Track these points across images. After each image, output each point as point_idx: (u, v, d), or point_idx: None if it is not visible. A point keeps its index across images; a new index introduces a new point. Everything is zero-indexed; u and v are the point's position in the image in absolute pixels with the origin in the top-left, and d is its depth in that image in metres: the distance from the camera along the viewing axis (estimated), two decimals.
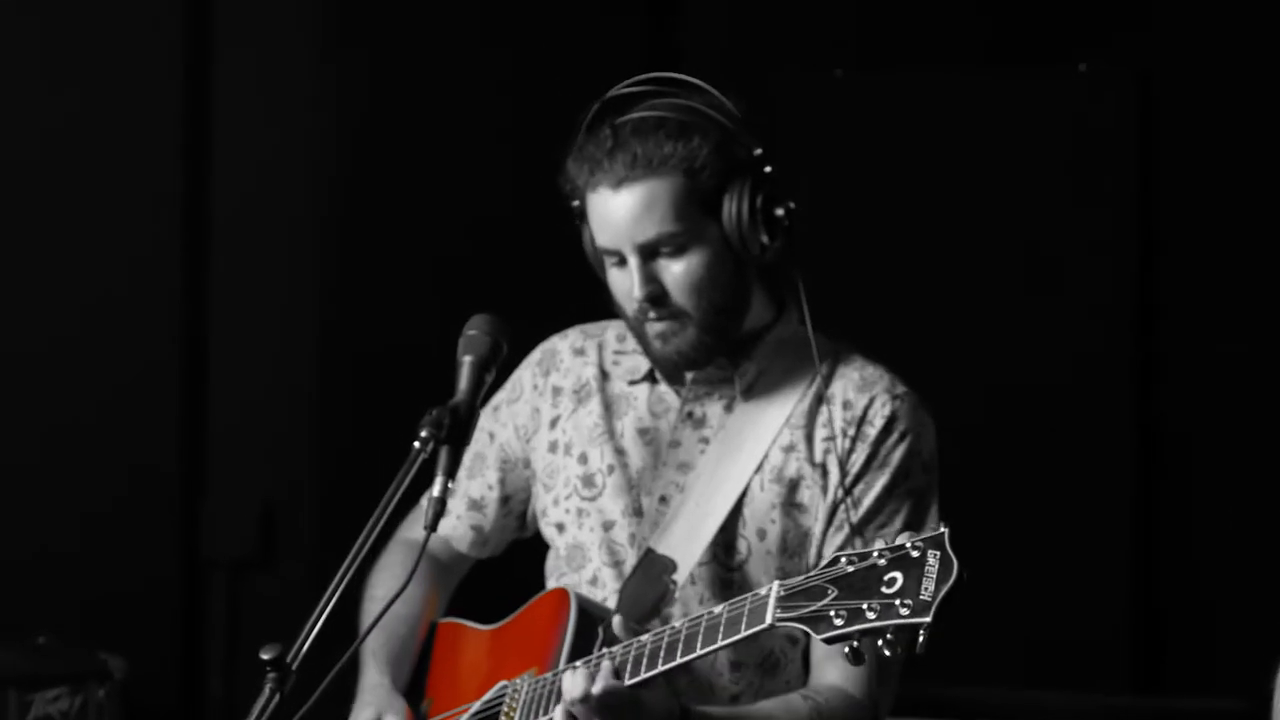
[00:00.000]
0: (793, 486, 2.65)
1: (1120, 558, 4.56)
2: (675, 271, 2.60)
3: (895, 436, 2.64)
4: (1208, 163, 4.57)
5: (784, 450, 2.66)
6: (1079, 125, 4.59)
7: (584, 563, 2.73)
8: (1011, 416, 4.55)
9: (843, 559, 2.27)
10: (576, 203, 2.66)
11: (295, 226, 4.59)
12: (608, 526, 2.71)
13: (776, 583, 2.33)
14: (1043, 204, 4.60)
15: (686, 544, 2.63)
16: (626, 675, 2.44)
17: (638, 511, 2.70)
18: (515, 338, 2.61)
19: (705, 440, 2.70)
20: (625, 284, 2.63)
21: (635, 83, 2.66)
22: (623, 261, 2.62)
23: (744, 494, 2.64)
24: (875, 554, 2.25)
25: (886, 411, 2.65)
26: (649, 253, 2.60)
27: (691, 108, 2.61)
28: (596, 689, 2.41)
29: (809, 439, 2.66)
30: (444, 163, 4.64)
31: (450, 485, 2.44)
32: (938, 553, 2.21)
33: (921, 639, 2.18)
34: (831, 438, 2.64)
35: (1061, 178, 4.60)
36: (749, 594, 2.37)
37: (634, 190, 2.58)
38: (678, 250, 2.60)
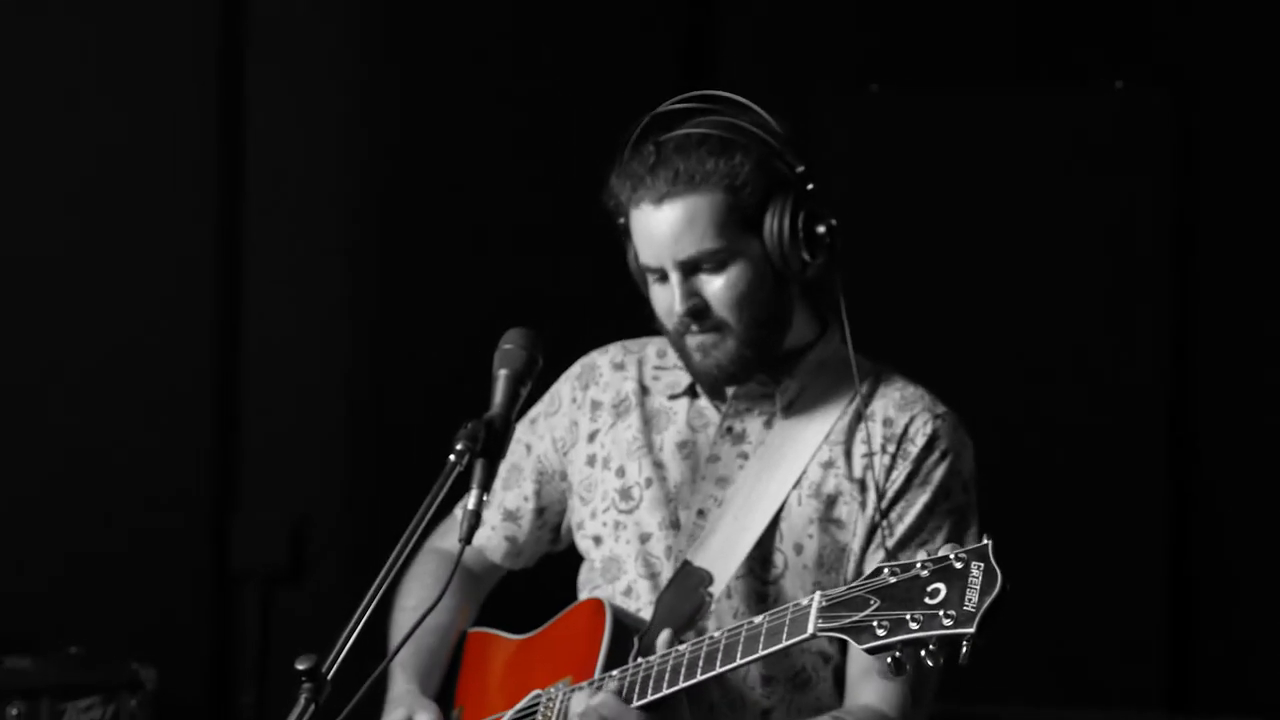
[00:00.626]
0: (830, 502, 2.64)
1: (1153, 576, 4.55)
2: (716, 286, 2.60)
3: (937, 455, 2.63)
4: (1245, 181, 4.56)
5: (823, 466, 2.65)
6: (1115, 143, 4.59)
7: (619, 574, 2.72)
8: (1044, 437, 4.53)
9: (885, 570, 2.27)
10: (622, 220, 2.67)
11: (328, 241, 4.61)
12: (644, 539, 2.71)
13: (819, 593, 2.33)
14: (1079, 222, 4.59)
15: (723, 557, 2.62)
16: (665, 684, 2.44)
17: (675, 525, 2.69)
18: (551, 350, 2.59)
19: (744, 456, 2.70)
20: (667, 300, 2.63)
21: (680, 100, 2.66)
22: (664, 278, 2.63)
23: (781, 508, 2.64)
24: (918, 565, 2.25)
25: (928, 430, 2.64)
26: (690, 269, 2.61)
27: (735, 125, 2.61)
28: (595, 701, 2.42)
29: (848, 455, 2.65)
30: (479, 175, 4.64)
31: (485, 498, 2.43)
32: (981, 564, 2.21)
33: (965, 650, 2.18)
34: (871, 454, 2.63)
35: (1097, 195, 4.59)
36: (790, 604, 2.37)
37: (675, 206, 2.58)
38: (719, 266, 2.60)
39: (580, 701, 2.47)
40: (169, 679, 4.05)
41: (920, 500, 2.62)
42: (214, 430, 4.54)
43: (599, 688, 2.50)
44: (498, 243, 4.61)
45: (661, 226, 2.59)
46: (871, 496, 2.62)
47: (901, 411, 2.65)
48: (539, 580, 2.89)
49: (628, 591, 2.71)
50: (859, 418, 2.65)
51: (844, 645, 2.62)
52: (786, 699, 2.65)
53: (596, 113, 4.54)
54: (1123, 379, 4.56)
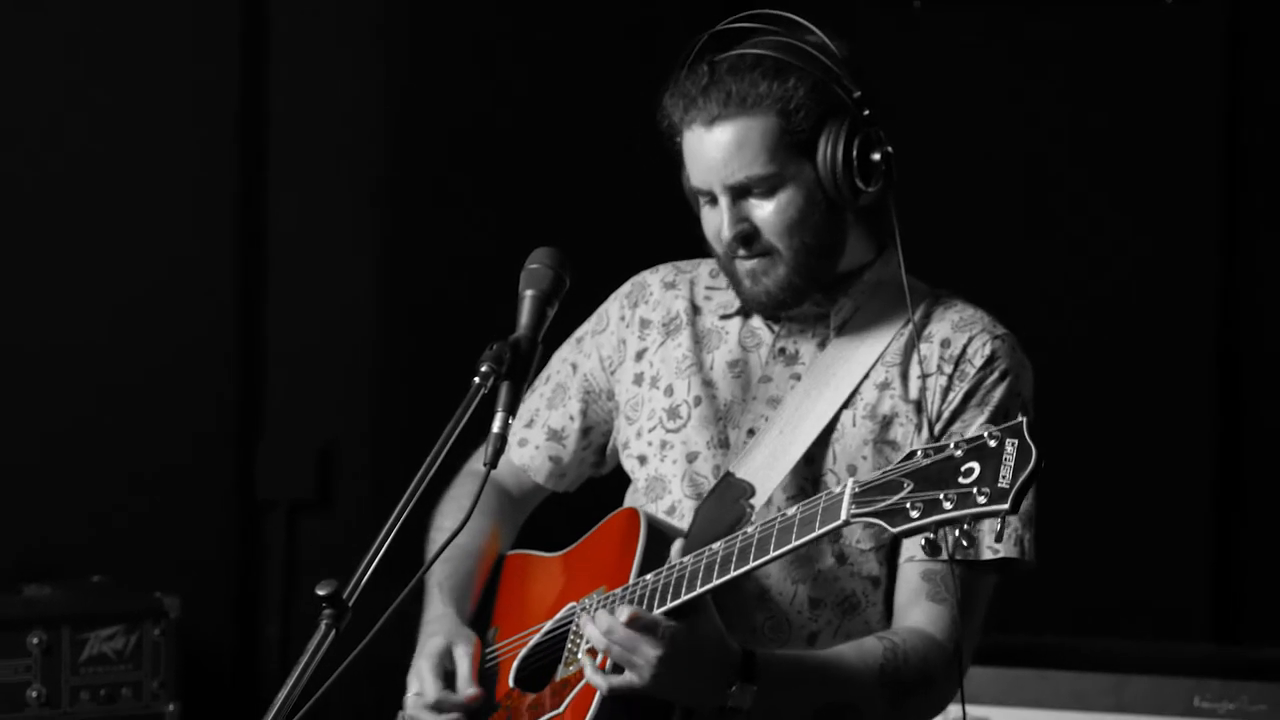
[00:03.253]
0: (886, 424, 2.60)
1: (1200, 505, 4.51)
2: (766, 211, 2.57)
3: (996, 375, 2.59)
4: None
5: (878, 387, 2.62)
6: (1165, 58, 4.53)
7: (663, 494, 2.69)
8: (1091, 362, 4.49)
9: (919, 453, 2.25)
10: (677, 140, 2.63)
11: (353, 166, 4.56)
12: (691, 458, 2.67)
13: (851, 479, 2.31)
14: (1128, 139, 4.53)
15: (766, 470, 2.58)
16: (698, 583, 2.40)
17: (724, 444, 2.66)
18: (575, 277, 2.55)
19: (796, 377, 2.66)
20: (716, 223, 2.61)
21: (737, 19, 2.62)
22: (715, 200, 2.60)
23: (834, 429, 2.60)
24: (952, 446, 2.23)
25: (986, 351, 2.60)
26: (739, 193, 2.58)
27: (791, 46, 2.57)
28: (621, 617, 2.37)
29: (904, 376, 2.62)
30: (503, 103, 4.60)
31: (511, 421, 2.40)
32: (1015, 441, 2.18)
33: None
34: (926, 375, 2.59)
35: (1148, 111, 4.53)
36: (823, 493, 2.35)
37: (726, 129, 2.55)
38: (769, 191, 2.57)
39: (604, 618, 2.41)
40: (193, 608, 4.02)
41: (977, 421, 2.58)
42: (239, 357, 4.51)
43: (626, 600, 2.46)
44: (525, 165, 4.57)
45: (712, 149, 2.56)
46: (927, 418, 2.58)
47: (959, 332, 2.61)
48: (584, 506, 2.84)
49: (671, 511, 2.67)
50: (916, 338, 2.61)
51: (893, 570, 2.60)
52: (834, 623, 2.61)
53: (634, 30, 4.54)
54: (1173, 298, 4.52)
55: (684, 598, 2.42)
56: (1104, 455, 4.45)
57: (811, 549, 2.56)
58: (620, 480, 2.80)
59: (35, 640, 3.84)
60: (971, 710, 3.91)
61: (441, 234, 4.56)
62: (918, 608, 2.56)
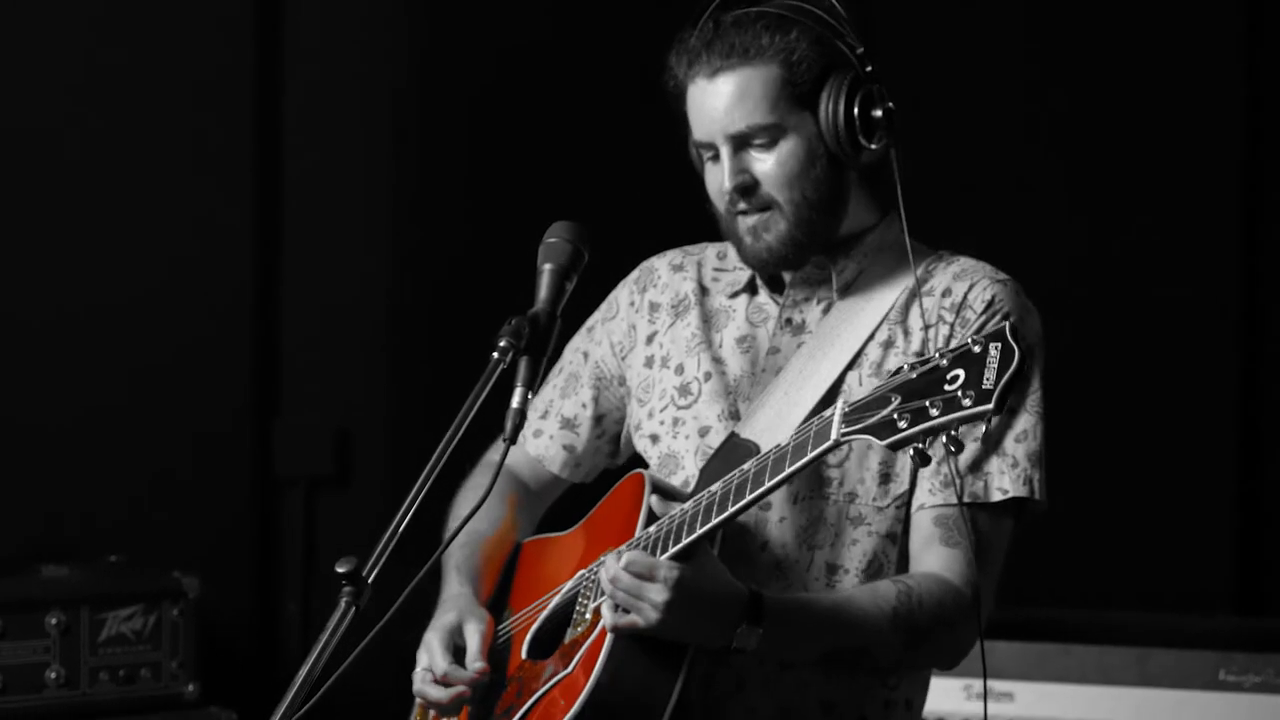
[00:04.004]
0: None
1: (1222, 477, 4.48)
2: (767, 164, 2.59)
3: (998, 319, 2.57)
4: None
5: (883, 346, 2.62)
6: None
7: (676, 469, 2.68)
8: (1113, 331, 4.47)
9: (905, 367, 2.28)
10: (684, 97, 2.64)
11: (368, 146, 4.55)
12: (703, 432, 2.67)
13: (841, 400, 2.34)
14: (1147, 110, 4.50)
15: (770, 430, 2.57)
16: (699, 525, 2.42)
17: (734, 415, 2.66)
18: (592, 256, 2.54)
19: (803, 345, 2.66)
20: (718, 179, 2.62)
21: None
22: (716, 156, 2.61)
23: (839, 390, 2.60)
24: (938, 356, 2.25)
25: (987, 295, 2.60)
26: (740, 143, 2.59)
27: (795, 5, 2.59)
28: (623, 560, 2.39)
29: (907, 332, 2.62)
30: (518, 77, 4.59)
31: (531, 396, 2.40)
32: (999, 344, 2.20)
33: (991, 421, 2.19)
34: (928, 325, 2.60)
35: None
36: (814, 418, 2.37)
37: (728, 79, 2.57)
38: (769, 142, 2.58)
39: (611, 565, 2.42)
40: (211, 587, 4.00)
41: None
42: (255, 334, 4.49)
43: (630, 549, 2.46)
44: (541, 143, 4.55)
45: (714, 100, 2.58)
46: None
47: (959, 281, 2.62)
48: (601, 497, 2.80)
49: (684, 485, 2.65)
50: (917, 293, 2.61)
51: (907, 525, 2.59)
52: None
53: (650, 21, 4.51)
54: (1195, 278, 4.48)
55: (685, 541, 2.42)
56: (1127, 429, 4.43)
57: (826, 513, 2.57)
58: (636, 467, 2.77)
59: (53, 621, 3.82)
60: (995, 685, 3.90)
61: (458, 211, 4.54)
62: (930, 552, 2.55)
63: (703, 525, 2.42)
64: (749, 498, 2.39)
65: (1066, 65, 4.56)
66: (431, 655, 2.63)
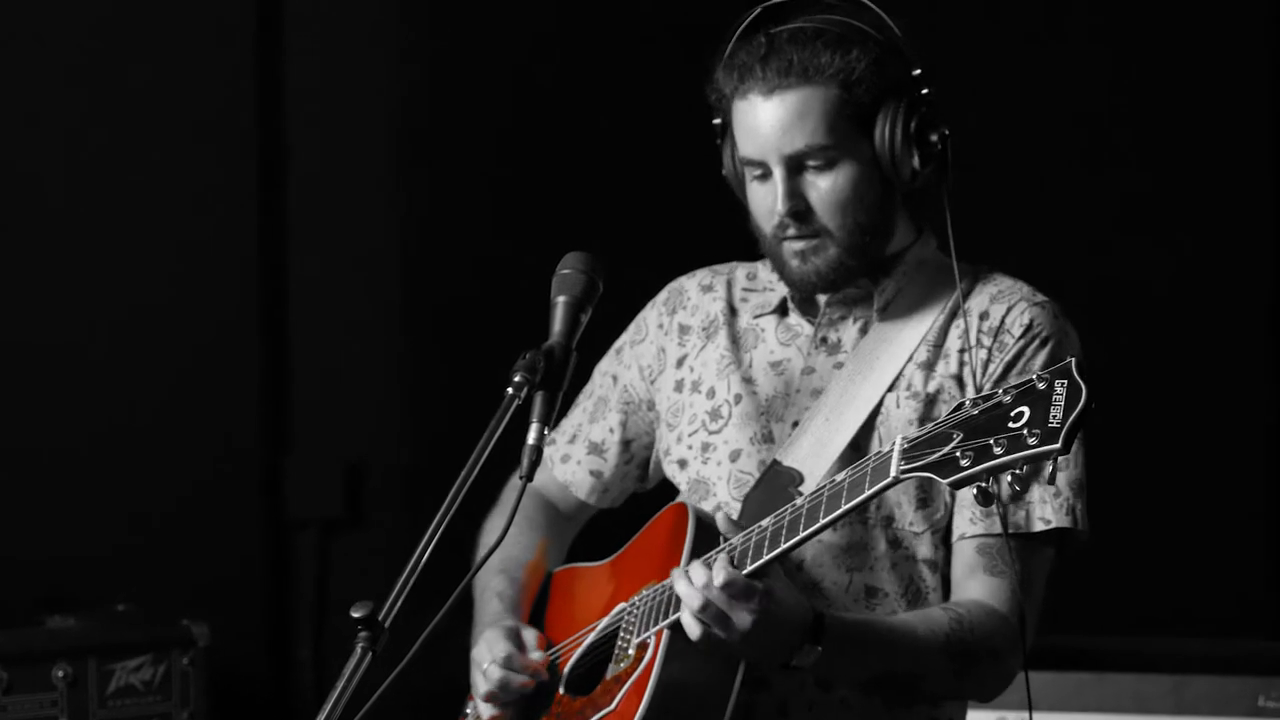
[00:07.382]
0: (930, 402, 2.58)
1: (1254, 504, 4.45)
2: (821, 187, 2.55)
3: (1037, 343, 2.57)
4: None
5: (921, 367, 2.59)
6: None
7: (707, 495, 2.65)
8: (1146, 360, 4.40)
9: (967, 403, 2.24)
10: (718, 120, 2.62)
11: (375, 179, 4.54)
12: (734, 457, 2.65)
13: (900, 436, 2.30)
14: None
15: (814, 457, 2.55)
16: (749, 561, 2.39)
17: (767, 438, 2.63)
18: (608, 281, 2.53)
19: (840, 365, 2.63)
20: (768, 200, 2.58)
21: None
22: (766, 175, 2.57)
23: (879, 411, 2.57)
24: (1000, 393, 2.21)
25: (1025, 319, 2.57)
26: (795, 165, 2.55)
27: (850, 23, 2.56)
28: (719, 580, 2.35)
29: (946, 355, 2.59)
30: (527, 106, 4.56)
31: (547, 432, 2.37)
32: (1065, 381, 2.16)
33: (1052, 469, 2.15)
34: (966, 349, 2.57)
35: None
36: (872, 453, 2.35)
37: (786, 98, 2.53)
38: (826, 165, 2.55)
39: (699, 577, 2.36)
40: (222, 635, 3.97)
41: None
42: (264, 374, 4.46)
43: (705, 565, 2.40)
44: (553, 172, 4.51)
45: (770, 119, 2.54)
46: (970, 392, 2.54)
47: (997, 303, 2.59)
48: (634, 522, 2.77)
49: (714, 511, 2.60)
50: (956, 314, 2.59)
51: (947, 552, 2.57)
52: (898, 613, 2.56)
53: (662, 20, 4.47)
54: (1223, 299, 4.45)
55: (761, 560, 2.38)
56: (1160, 454, 4.39)
57: (864, 536, 2.55)
58: (668, 494, 2.75)
59: (60, 674, 3.78)
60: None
61: (468, 243, 4.51)
62: (975, 581, 2.53)
63: (753, 562, 2.38)
64: (803, 534, 2.36)
65: (1094, 69, 4.54)
66: (491, 646, 2.61)
